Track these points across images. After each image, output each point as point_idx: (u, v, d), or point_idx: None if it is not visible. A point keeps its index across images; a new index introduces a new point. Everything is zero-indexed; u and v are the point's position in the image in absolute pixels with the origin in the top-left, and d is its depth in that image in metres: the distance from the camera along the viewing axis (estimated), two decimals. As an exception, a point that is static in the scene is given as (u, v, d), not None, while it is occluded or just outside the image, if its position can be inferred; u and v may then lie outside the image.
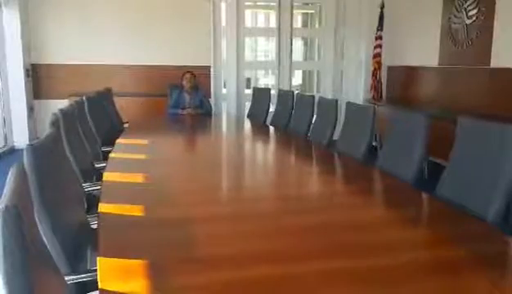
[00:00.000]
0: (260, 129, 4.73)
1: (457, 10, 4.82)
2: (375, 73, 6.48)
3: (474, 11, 4.51)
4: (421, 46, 5.76)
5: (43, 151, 1.59)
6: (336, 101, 3.66)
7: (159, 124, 5.00)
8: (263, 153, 3.73)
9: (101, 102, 4.42)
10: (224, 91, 7.21)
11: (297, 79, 8.42)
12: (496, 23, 4.26)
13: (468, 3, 4.61)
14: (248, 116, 5.50)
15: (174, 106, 5.44)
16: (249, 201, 2.29)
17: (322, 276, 1.40)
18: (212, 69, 6.95)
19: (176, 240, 1.67)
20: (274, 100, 5.26)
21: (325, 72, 7.36)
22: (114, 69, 6.66)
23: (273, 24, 7.31)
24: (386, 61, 6.53)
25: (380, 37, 6.42)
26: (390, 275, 1.42)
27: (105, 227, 1.75)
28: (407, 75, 6.26)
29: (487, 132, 2.10)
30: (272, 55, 7.47)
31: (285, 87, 7.07)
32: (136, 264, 1.42)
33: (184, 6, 6.69)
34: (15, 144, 6.41)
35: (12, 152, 6.27)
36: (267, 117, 5.09)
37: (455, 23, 4.87)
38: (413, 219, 2.05)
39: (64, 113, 2.57)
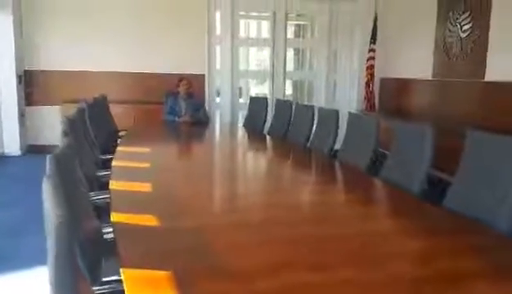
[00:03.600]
0: (260, 138, 4.75)
1: (452, 24, 4.92)
2: (368, 85, 6.57)
3: (469, 26, 4.62)
4: (415, 59, 5.86)
5: (65, 160, 1.57)
6: (337, 112, 3.68)
7: (157, 132, 4.97)
8: (269, 163, 3.71)
9: (99, 109, 4.38)
10: (218, 99, 7.22)
11: (287, 89, 8.44)
12: (490, 37, 4.36)
13: (463, 18, 4.72)
14: (244, 125, 5.50)
15: (170, 113, 5.43)
16: (262, 209, 2.30)
17: (348, 285, 1.41)
18: (206, 78, 6.95)
19: (196, 249, 1.66)
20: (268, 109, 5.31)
21: (318, 82, 7.43)
22: (109, 75, 6.62)
23: (267, 34, 7.38)
24: (379, 73, 6.62)
25: (373, 50, 6.52)
26: (413, 285, 1.44)
27: (123, 237, 1.73)
28: (400, 87, 6.35)
29: (498, 145, 2.13)
30: (265, 65, 7.52)
31: (279, 97, 7.12)
32: (162, 275, 1.41)
33: (179, 14, 6.70)
34: (5, 151, 6.29)
35: (3, 159, 6.16)
36: (264, 126, 5.11)
37: (449, 36, 4.98)
38: (429, 229, 2.07)
39: (71, 120, 2.55)
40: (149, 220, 1.94)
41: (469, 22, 4.60)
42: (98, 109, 4.32)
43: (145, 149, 3.65)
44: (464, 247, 1.77)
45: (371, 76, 6.54)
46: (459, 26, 4.79)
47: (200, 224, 1.93)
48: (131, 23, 6.60)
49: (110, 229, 1.90)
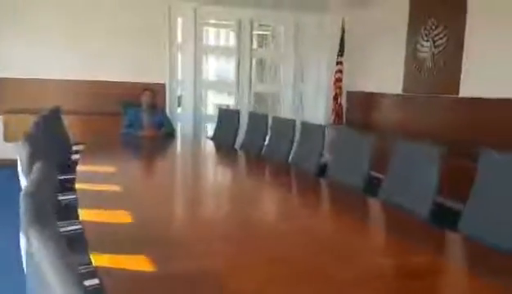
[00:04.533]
0: (233, 154, 4.43)
1: (424, 39, 4.88)
2: (337, 98, 6.45)
3: (443, 40, 4.58)
4: (384, 73, 5.80)
5: (39, 194, 1.19)
6: (324, 127, 3.45)
7: (119, 148, 4.53)
8: (253, 183, 3.39)
9: (54, 122, 3.88)
10: (179, 110, 6.82)
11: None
12: (464, 53, 4.33)
13: (436, 32, 4.68)
14: (212, 138, 5.15)
15: (130, 126, 4.98)
16: (263, 238, 1.98)
17: None
18: (167, 87, 6.55)
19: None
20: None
21: (284, 94, 7.23)
22: (60, 83, 6.05)
23: (232, 43, 7.10)
24: (346, 86, 6.52)
25: (341, 63, 6.42)
26: None
27: (114, 289, 1.36)
28: (367, 101, 6.27)
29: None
30: (230, 75, 7.22)
31: (244, 108, 6.84)
32: None
33: (139, 20, 6.26)
34: None
35: None
36: (235, 140, 4.79)
37: (421, 51, 4.93)
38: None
39: (32, 137, 2.12)
40: (142, 264, 1.57)
41: (443, 37, 4.57)
42: (53, 121, 3.82)
43: (110, 169, 3.20)
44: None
45: (339, 89, 6.42)
46: (431, 41, 4.74)
47: (206, 267, 1.60)
48: (87, 29, 6.08)
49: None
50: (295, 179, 3.41)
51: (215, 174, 3.69)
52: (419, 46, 4.97)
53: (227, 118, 5.06)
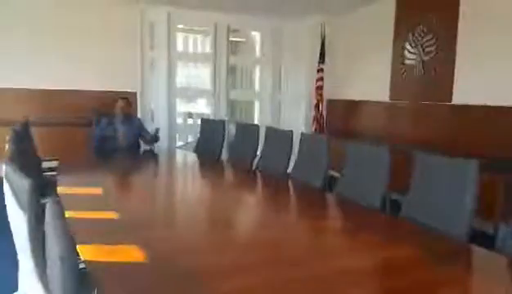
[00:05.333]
0: (224, 168, 4.12)
1: (412, 45, 4.78)
2: (318, 106, 6.28)
3: (433, 48, 4.49)
4: (368, 81, 5.68)
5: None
6: (327, 140, 3.22)
7: (96, 163, 4.10)
8: (254, 198, 3.10)
9: (24, 137, 3.44)
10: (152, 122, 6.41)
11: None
12: (457, 60, 4.25)
13: (425, 39, 4.59)
14: (195, 151, 4.82)
15: (103, 138, 4.57)
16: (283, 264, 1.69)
17: None
18: (138, 96, 6.14)
19: None
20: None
21: (262, 102, 6.99)
22: (21, 93, 5.50)
23: (207, 49, 6.79)
24: (327, 94, 6.36)
25: (322, 70, 6.26)
26: None
27: None
28: (350, 109, 6.14)
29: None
30: (205, 83, 6.89)
31: (221, 117, 6.54)
32: None
33: (109, 25, 5.84)
34: None
35: None
36: (221, 153, 4.49)
37: (409, 59, 4.83)
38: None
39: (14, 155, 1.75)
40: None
41: (433, 44, 4.48)
42: (23, 136, 3.38)
43: (96, 190, 2.80)
44: None
45: (321, 97, 6.25)
46: (421, 48, 4.65)
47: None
48: (52, 34, 5.59)
49: None
50: (303, 195, 3.13)
51: (216, 197, 3.26)
52: (406, 52, 4.86)
53: (211, 128, 4.75)
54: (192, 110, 8.62)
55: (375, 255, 1.91)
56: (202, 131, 4.87)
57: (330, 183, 3.09)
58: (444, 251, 1.97)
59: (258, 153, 4.02)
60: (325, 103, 6.39)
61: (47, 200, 1.17)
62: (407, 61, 4.83)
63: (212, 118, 6.54)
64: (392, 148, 2.72)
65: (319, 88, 6.25)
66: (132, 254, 1.74)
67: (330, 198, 2.94)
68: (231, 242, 2.03)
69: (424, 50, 4.61)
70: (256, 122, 7.24)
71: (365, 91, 5.73)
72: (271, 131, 3.90)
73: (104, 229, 2.03)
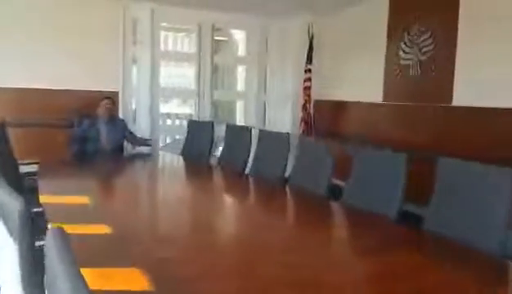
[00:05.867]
0: (208, 170, 3.94)
1: (407, 45, 4.68)
2: (306, 107, 6.16)
3: (430, 48, 4.40)
4: (359, 81, 5.58)
5: None
6: (326, 147, 3.08)
7: (80, 168, 3.88)
8: (257, 208, 2.95)
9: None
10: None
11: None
12: (457, 60, 4.15)
13: (422, 38, 4.49)
14: (182, 154, 4.63)
15: (84, 139, 4.33)
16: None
17: None
18: (120, 95, 5.89)
19: None
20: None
21: (247, 102, 6.84)
22: (1, 93, 5.19)
23: (191, 48, 6.59)
24: (314, 95, 6.24)
25: (310, 70, 6.14)
26: None
27: None
28: (338, 110, 6.04)
29: None
30: (189, 83, 6.69)
31: (207, 119, 6.36)
32: None
33: (90, 22, 5.57)
34: None
35: None
36: (210, 156, 4.31)
37: (404, 59, 4.73)
38: None
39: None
40: None
41: (431, 44, 4.39)
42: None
43: (83, 200, 2.59)
44: None
45: (308, 97, 6.13)
46: (417, 48, 4.56)
47: None
48: (30, 30, 5.28)
49: None
50: (308, 204, 2.97)
51: (212, 206, 3.08)
52: (401, 52, 4.76)
53: (199, 130, 4.57)
54: (175, 111, 8.42)
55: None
56: (189, 133, 4.68)
57: (334, 191, 2.94)
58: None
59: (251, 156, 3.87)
60: (312, 104, 6.27)
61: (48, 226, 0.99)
62: (402, 61, 4.74)
63: (195, 118, 6.35)
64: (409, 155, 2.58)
65: (307, 89, 6.13)
66: (134, 280, 1.55)
67: (341, 207, 2.79)
68: (237, 270, 1.82)
69: (420, 49, 4.52)
70: (238, 122, 7.11)
71: (355, 92, 5.63)
72: (265, 133, 3.75)
73: (97, 248, 1.83)
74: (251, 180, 3.54)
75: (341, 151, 3.06)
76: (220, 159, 4.17)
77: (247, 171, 3.79)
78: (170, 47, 8.09)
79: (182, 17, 6.42)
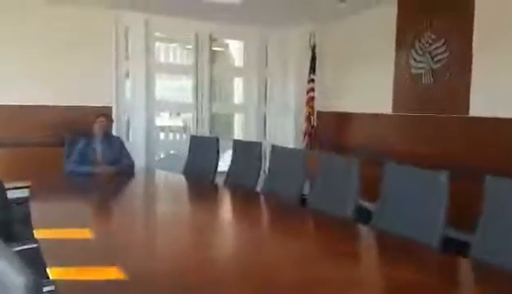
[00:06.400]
0: (217, 193, 3.62)
1: (418, 53, 4.45)
2: (309, 119, 5.89)
3: (443, 55, 4.17)
4: (364, 91, 5.33)
5: None
6: (354, 163, 2.80)
7: (75, 191, 3.51)
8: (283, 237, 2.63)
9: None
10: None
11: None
12: (474, 69, 3.93)
13: (434, 46, 4.26)
14: (183, 172, 4.31)
15: (80, 161, 3.99)
16: None
17: None
18: (113, 111, 5.55)
19: None
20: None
21: (247, 115, 6.55)
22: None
23: (189, 60, 6.28)
24: (317, 106, 5.97)
25: (313, 80, 5.88)
26: None
27: None
28: (342, 122, 5.78)
29: None
30: (186, 95, 6.37)
31: (206, 133, 6.06)
32: None
33: (81, 32, 5.25)
34: None
35: None
36: (215, 175, 4.00)
37: (415, 67, 4.49)
38: None
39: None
40: None
41: (444, 52, 4.16)
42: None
43: (84, 234, 2.23)
44: None
45: (312, 109, 5.87)
46: (429, 56, 4.33)
47: None
48: (17, 41, 4.95)
49: None
50: (335, 230, 2.65)
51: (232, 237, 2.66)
52: (412, 61, 4.53)
53: (202, 147, 4.25)
54: (167, 123, 8.07)
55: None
56: (191, 150, 4.36)
57: (361, 213, 2.66)
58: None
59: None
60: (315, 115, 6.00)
61: None
62: (414, 70, 4.50)
63: (193, 133, 6.05)
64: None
65: (310, 100, 5.87)
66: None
67: (372, 233, 2.49)
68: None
69: (433, 58, 4.29)
70: (237, 136, 6.80)
71: (360, 103, 5.38)
72: (277, 149, 3.45)
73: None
74: (265, 199, 3.23)
75: (363, 167, 2.77)
76: (227, 178, 3.84)
77: (258, 188, 3.50)
78: (166, 59, 7.78)
79: (178, 27, 6.13)
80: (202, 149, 4.20)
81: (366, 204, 2.80)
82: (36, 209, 2.64)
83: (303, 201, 3.10)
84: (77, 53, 5.20)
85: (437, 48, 4.25)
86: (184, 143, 5.83)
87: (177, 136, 8.08)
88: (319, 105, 5.98)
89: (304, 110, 5.94)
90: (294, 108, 6.24)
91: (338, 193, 2.76)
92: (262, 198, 3.31)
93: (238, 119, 6.88)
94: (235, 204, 3.35)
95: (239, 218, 2.93)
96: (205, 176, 3.95)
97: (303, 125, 5.95)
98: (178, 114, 7.79)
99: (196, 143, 4.36)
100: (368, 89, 5.25)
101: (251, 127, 6.52)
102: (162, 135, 7.71)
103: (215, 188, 3.77)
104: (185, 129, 7.63)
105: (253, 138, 6.30)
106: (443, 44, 4.17)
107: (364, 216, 2.66)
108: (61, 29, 5.12)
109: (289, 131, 6.32)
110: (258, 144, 3.65)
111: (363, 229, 2.53)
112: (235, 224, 2.77)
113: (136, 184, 3.97)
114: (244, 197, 3.33)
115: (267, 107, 6.55)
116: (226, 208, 3.30)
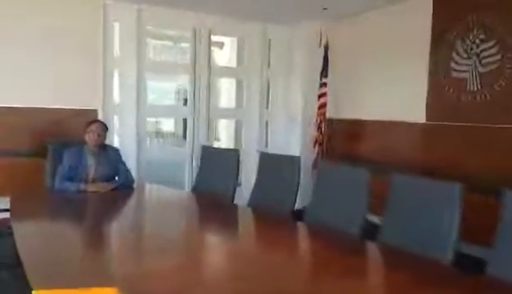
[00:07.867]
0: (245, 216, 2.99)
1: (461, 55, 3.93)
2: (320, 126, 5.32)
3: (495, 58, 3.67)
4: (387, 98, 4.81)
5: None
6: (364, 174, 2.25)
7: (70, 219, 2.76)
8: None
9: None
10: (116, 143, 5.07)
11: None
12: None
13: (482, 48, 3.77)
14: (193, 189, 3.65)
15: (69, 177, 3.27)
16: None
17: None
18: (100, 114, 4.83)
19: None
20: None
21: (247, 121, 5.91)
22: None
23: (186, 57, 5.59)
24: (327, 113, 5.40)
25: (325, 84, 5.33)
26: None
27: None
28: (355, 130, 5.25)
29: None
30: (180, 98, 5.70)
31: (204, 141, 5.39)
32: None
33: (64, 25, 4.52)
34: None
35: None
36: (234, 192, 3.36)
37: (458, 70, 3.97)
38: None
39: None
40: None
41: (496, 54, 3.67)
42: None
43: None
44: None
45: (323, 116, 5.31)
46: (476, 58, 3.83)
47: None
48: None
49: None
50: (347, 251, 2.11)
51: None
52: (453, 63, 4.01)
53: (217, 160, 3.59)
54: (153, 129, 7.38)
55: None
56: (203, 164, 3.70)
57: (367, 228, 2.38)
58: None
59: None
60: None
61: None
62: (455, 74, 3.99)
63: (188, 139, 5.39)
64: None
65: (322, 106, 5.30)
66: None
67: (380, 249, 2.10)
68: None
69: (481, 61, 3.79)
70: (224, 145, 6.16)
71: (383, 110, 4.83)
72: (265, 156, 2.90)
73: None
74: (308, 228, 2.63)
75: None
76: (251, 198, 3.21)
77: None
78: (158, 57, 7.05)
79: (175, 20, 5.43)
80: (216, 163, 3.54)
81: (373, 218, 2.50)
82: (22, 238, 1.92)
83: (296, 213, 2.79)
84: (60, 50, 4.50)
85: (486, 49, 3.76)
86: (180, 151, 5.18)
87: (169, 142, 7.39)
88: (329, 112, 5.42)
89: (315, 117, 5.36)
90: (300, 114, 5.64)
91: (342, 205, 2.51)
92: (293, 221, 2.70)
93: (236, 125, 6.27)
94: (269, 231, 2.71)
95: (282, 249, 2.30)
96: (221, 195, 3.31)
97: (313, 133, 5.38)
98: (167, 117, 7.08)
99: (209, 155, 3.70)
100: (394, 95, 4.71)
101: (250, 134, 5.88)
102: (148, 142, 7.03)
103: (239, 210, 3.13)
104: (175, 134, 6.96)
105: (253, 146, 5.71)
106: (494, 45, 3.69)
107: (370, 230, 2.39)
108: (45, 21, 4.40)
109: (293, 139, 5.73)
110: (291, 159, 3.03)
111: (372, 246, 2.23)
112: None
113: (149, 208, 3.27)
114: (276, 222, 2.70)
115: (269, 113, 5.96)
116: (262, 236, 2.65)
